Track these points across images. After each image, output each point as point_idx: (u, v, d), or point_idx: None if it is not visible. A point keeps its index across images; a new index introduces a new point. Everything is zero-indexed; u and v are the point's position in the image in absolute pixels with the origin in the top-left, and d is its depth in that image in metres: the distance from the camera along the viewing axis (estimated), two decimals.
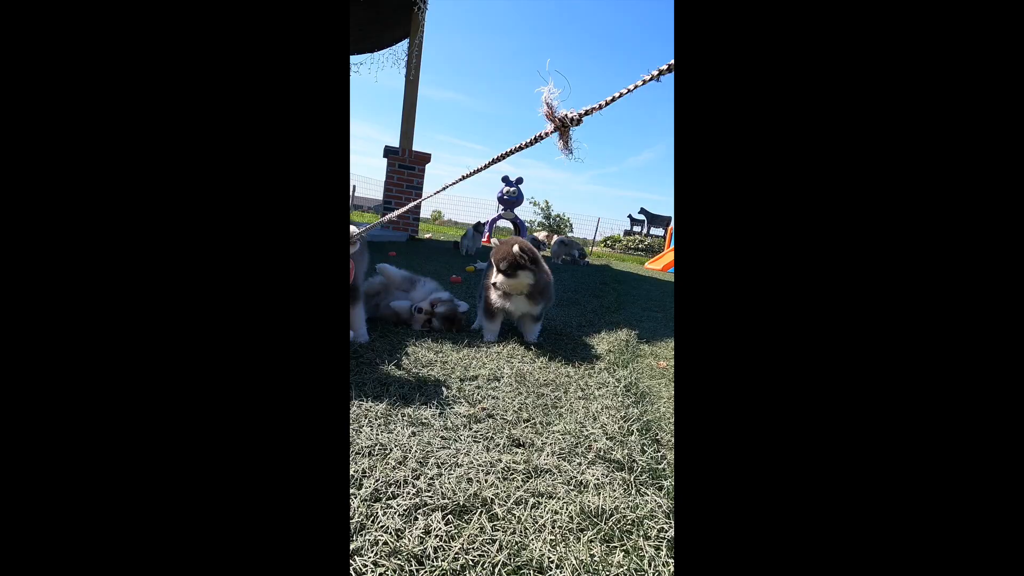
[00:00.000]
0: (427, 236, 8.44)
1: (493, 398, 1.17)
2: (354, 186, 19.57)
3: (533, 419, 1.07)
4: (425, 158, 7.00)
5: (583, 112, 0.62)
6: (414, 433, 0.93)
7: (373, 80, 8.15)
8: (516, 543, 0.63)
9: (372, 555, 0.58)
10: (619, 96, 0.59)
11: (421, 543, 0.61)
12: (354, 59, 8.46)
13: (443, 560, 0.58)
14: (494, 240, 2.12)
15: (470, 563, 0.59)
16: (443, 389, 1.19)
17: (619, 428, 1.04)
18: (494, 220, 9.70)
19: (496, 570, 0.58)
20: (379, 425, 0.94)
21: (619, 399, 1.23)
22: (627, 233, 15.22)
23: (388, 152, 6.82)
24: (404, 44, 7.54)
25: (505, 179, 9.57)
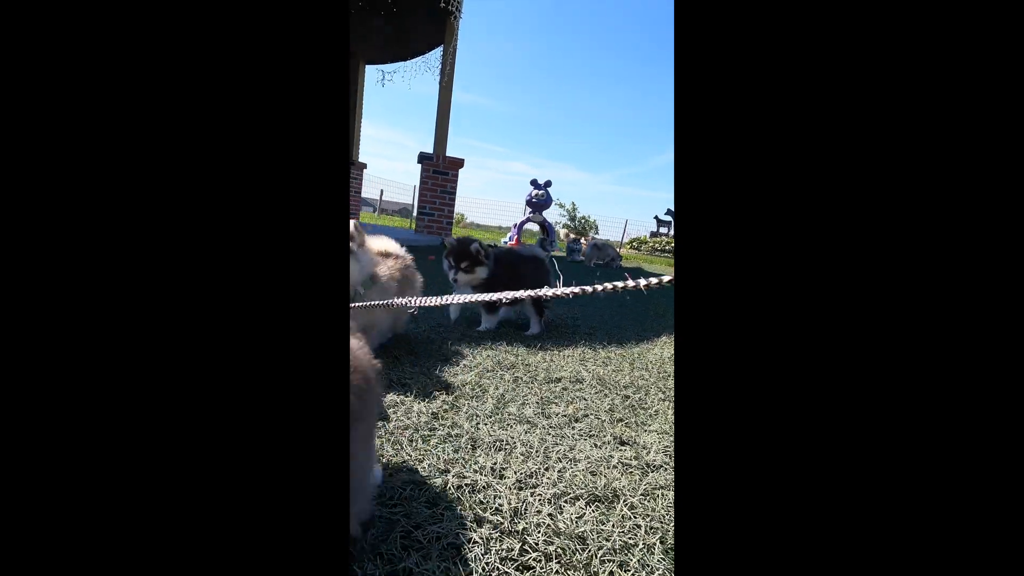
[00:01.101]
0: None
1: (582, 399, 1.25)
2: (381, 190, 19.96)
3: (626, 419, 1.14)
4: (458, 163, 7.13)
5: None
6: (526, 431, 1.01)
7: (407, 88, 8.31)
8: (660, 527, 0.71)
9: (541, 535, 0.66)
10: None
11: (578, 525, 0.69)
12: (387, 67, 8.67)
13: (604, 539, 0.66)
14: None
15: (628, 543, 0.66)
16: (536, 390, 1.27)
17: None
18: (523, 223, 9.80)
19: (651, 549, 0.66)
20: (493, 423, 1.03)
21: None
22: (653, 235, 15.13)
23: (422, 158, 6.97)
24: (436, 52, 7.69)
25: (534, 182, 9.66)
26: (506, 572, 0.59)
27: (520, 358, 1.55)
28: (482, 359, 1.49)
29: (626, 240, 14.96)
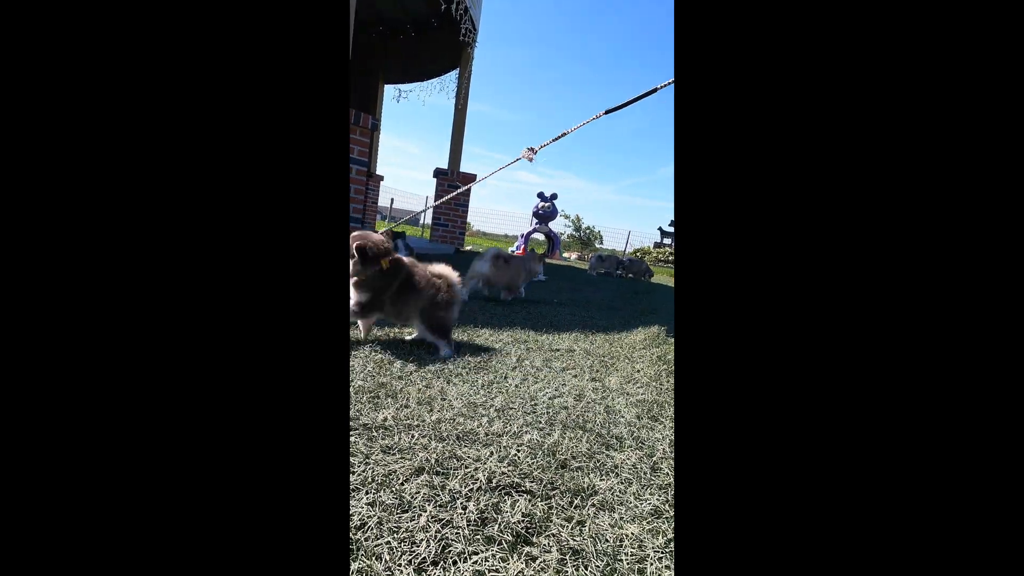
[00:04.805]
0: (468, 248, 9.14)
1: (573, 359, 1.87)
2: (392, 199, 20.70)
3: (600, 370, 1.75)
4: (471, 178, 7.75)
5: None
6: (536, 371, 1.62)
7: (421, 104, 9.08)
8: (609, 409, 1.32)
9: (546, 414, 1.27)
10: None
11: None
12: (404, 87, 9.38)
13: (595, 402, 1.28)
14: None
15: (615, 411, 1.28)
16: (542, 354, 1.89)
17: (654, 373, 1.72)
18: (529, 233, 10.43)
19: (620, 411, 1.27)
20: (515, 368, 1.64)
21: (652, 362, 1.91)
22: (657, 245, 15.67)
23: (438, 173, 7.61)
24: (451, 74, 8.36)
25: (540, 195, 10.30)
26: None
27: (532, 337, 2.17)
28: (505, 335, 2.10)
29: (629, 251, 15.58)
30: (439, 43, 7.71)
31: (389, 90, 9.58)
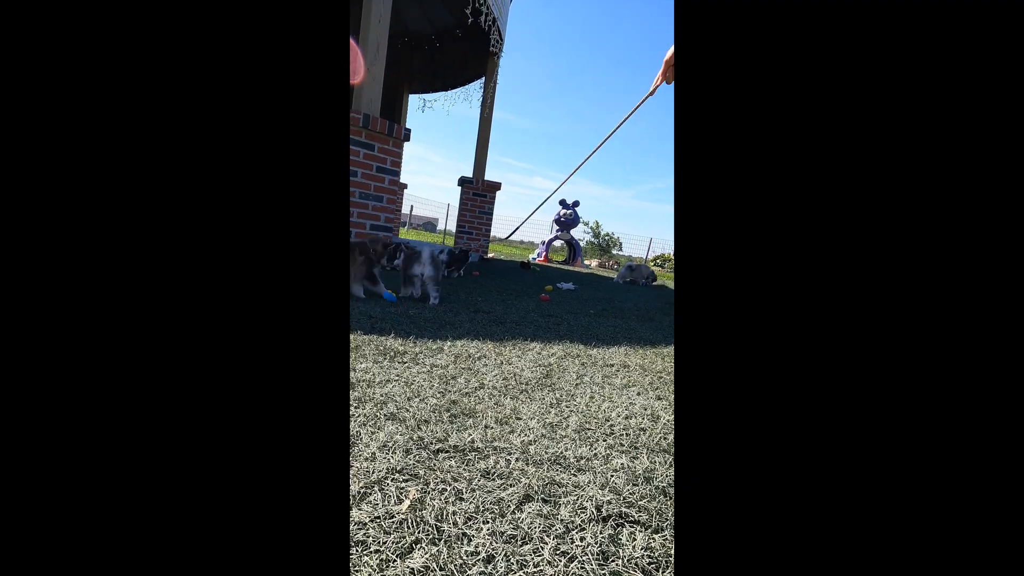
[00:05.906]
0: (491, 256, 9.15)
1: (629, 376, 1.84)
2: (412, 206, 20.91)
3: (661, 387, 1.72)
4: (496, 186, 7.78)
5: None
6: (599, 390, 1.60)
7: (446, 114, 9.12)
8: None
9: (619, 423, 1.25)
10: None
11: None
12: (429, 96, 9.48)
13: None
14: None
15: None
16: (599, 370, 1.86)
17: None
18: (551, 240, 10.41)
19: None
20: (577, 385, 1.62)
21: None
22: None
23: (463, 181, 7.66)
24: (475, 83, 8.42)
25: (562, 202, 10.30)
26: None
27: (583, 351, 2.14)
28: (556, 348, 2.08)
29: (651, 257, 15.45)
30: (465, 53, 7.78)
31: (414, 100, 9.68)
